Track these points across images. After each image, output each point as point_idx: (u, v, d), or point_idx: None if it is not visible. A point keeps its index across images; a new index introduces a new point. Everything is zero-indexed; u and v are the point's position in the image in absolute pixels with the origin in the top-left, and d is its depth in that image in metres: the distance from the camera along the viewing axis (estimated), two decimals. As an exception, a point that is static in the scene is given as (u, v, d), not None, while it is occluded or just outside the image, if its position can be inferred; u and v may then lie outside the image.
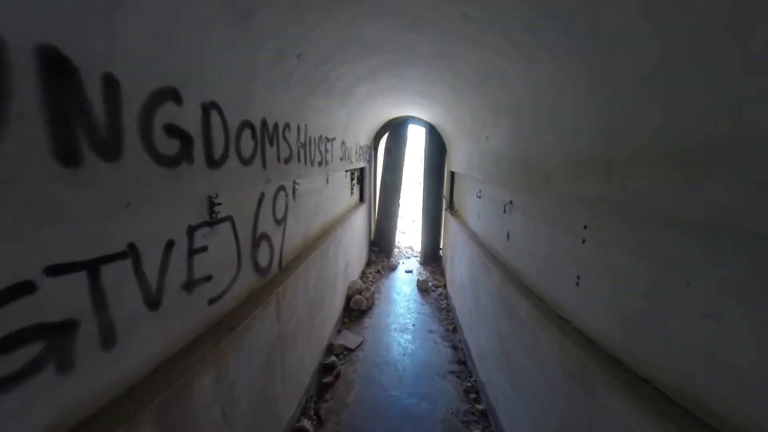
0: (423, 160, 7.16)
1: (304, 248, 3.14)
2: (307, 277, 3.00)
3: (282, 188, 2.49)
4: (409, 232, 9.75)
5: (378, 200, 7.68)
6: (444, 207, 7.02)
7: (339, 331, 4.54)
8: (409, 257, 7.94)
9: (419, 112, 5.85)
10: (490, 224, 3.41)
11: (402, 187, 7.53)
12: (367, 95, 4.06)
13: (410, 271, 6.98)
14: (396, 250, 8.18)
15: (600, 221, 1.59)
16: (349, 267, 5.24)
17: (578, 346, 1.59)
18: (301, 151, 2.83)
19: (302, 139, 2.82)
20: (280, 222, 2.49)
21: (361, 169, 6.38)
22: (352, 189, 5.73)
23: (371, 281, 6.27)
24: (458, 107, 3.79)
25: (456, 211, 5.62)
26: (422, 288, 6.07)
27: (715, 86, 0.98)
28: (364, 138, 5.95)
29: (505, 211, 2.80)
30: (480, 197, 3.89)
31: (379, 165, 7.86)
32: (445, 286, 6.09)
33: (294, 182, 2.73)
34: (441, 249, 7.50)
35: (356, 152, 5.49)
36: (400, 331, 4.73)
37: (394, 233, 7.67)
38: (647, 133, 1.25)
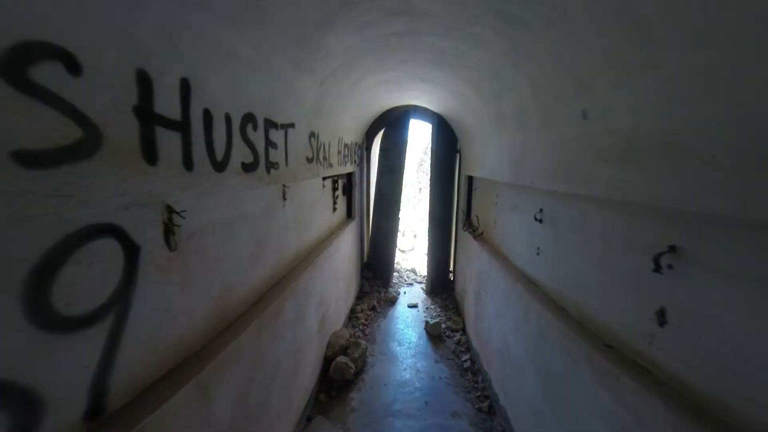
0: (430, 162, 5.63)
1: (210, 336, 1.56)
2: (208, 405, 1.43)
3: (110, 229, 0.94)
4: (410, 249, 8.17)
5: (372, 213, 6.13)
6: (459, 223, 5.49)
7: (309, 421, 2.96)
8: (411, 284, 6.37)
9: (427, 98, 4.35)
10: (583, 280, 1.85)
11: (402, 197, 5.99)
12: (351, 58, 2.53)
13: (414, 306, 5.41)
14: (395, 274, 6.61)
15: None
16: (329, 314, 3.66)
17: None
18: (195, 142, 1.29)
19: (196, 112, 1.29)
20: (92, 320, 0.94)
21: (349, 175, 4.85)
22: (335, 203, 4.18)
23: (363, 324, 4.69)
24: (508, 73, 2.26)
25: (480, 233, 4.06)
26: (433, 333, 4.50)
27: None
28: (352, 133, 4.43)
29: (660, 267, 1.26)
30: (541, 221, 2.35)
31: (373, 170, 6.34)
32: (464, 330, 4.52)
33: (169, 211, 1.19)
34: (451, 271, 5.96)
35: (340, 152, 3.95)
36: (406, 416, 3.14)
37: (393, 254, 6.11)
38: None
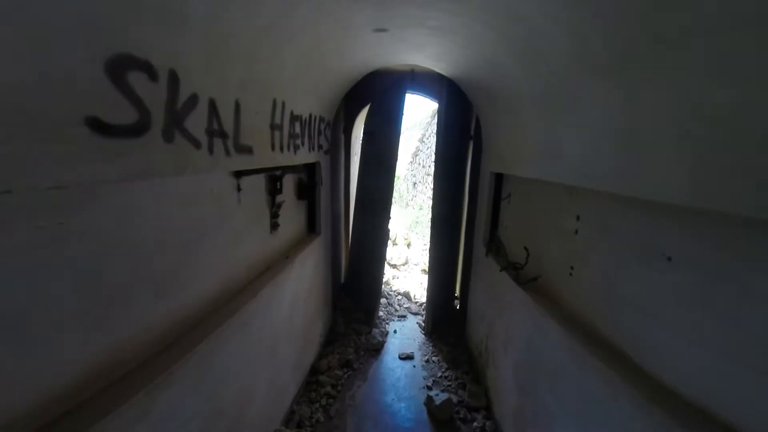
0: (435, 150, 3.92)
1: None
2: None
3: None
4: (402, 264, 6.45)
5: (353, 218, 4.44)
6: (474, 237, 3.83)
7: None
8: (404, 316, 4.73)
9: (434, 51, 2.63)
10: None
11: (392, 197, 4.29)
12: None
13: (409, 358, 3.78)
14: (383, 301, 4.96)
15: None
16: (252, 411, 2.01)
17: None
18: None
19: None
20: None
21: (310, 169, 3.15)
22: (274, 217, 2.46)
23: (328, 395, 3.06)
24: None
25: (533, 278, 2.34)
26: (441, 416, 2.91)
27: None
28: (310, 100, 2.70)
29: None
30: None
31: (354, 162, 4.63)
32: (488, 410, 2.93)
33: None
34: (456, 297, 4.37)
35: (280, 128, 2.24)
36: None
37: (380, 274, 4.43)
38: None
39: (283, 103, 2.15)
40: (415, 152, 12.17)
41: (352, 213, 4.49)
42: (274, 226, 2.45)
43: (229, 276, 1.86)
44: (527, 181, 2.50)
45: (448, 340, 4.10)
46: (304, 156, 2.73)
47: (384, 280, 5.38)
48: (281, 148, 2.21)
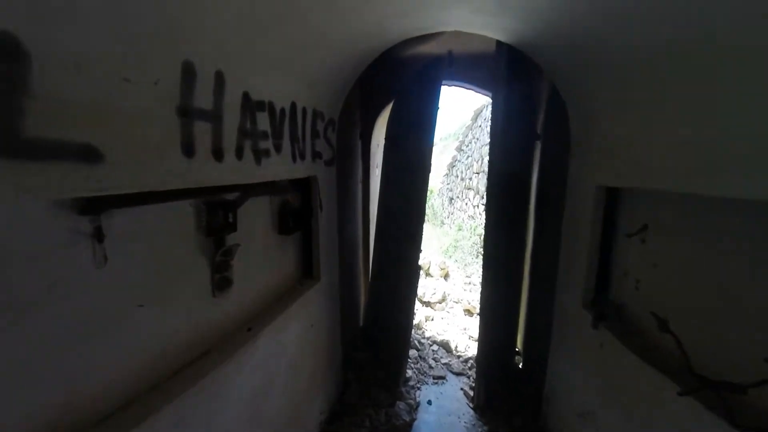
0: (490, 157, 2.75)
1: None
2: None
3: None
4: (438, 302, 5.07)
5: (372, 250, 3.40)
6: (568, 296, 2.58)
7: None
8: (442, 378, 3.49)
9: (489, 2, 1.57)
10: None
11: (423, 222, 3.18)
12: None
13: (450, 459, 2.59)
14: (413, 354, 3.77)
15: None
16: None
17: None
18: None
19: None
20: None
21: (302, 187, 2.19)
22: (220, 269, 1.48)
23: None
24: None
25: (738, 392, 1.05)
26: None
27: None
28: (295, 85, 1.75)
29: None
30: None
31: (376, 176, 3.62)
32: None
33: None
34: (518, 351, 3.08)
35: (247, 126, 1.30)
36: None
37: (407, 322, 3.27)
38: None
39: (220, 75, 1.21)
40: (452, 163, 10.83)
41: (371, 246, 3.46)
42: (222, 285, 1.49)
43: (91, 384, 0.91)
44: (692, 203, 1.28)
45: (513, 420, 2.81)
46: (283, 168, 1.76)
47: (414, 322, 4.24)
48: (218, 154, 1.25)
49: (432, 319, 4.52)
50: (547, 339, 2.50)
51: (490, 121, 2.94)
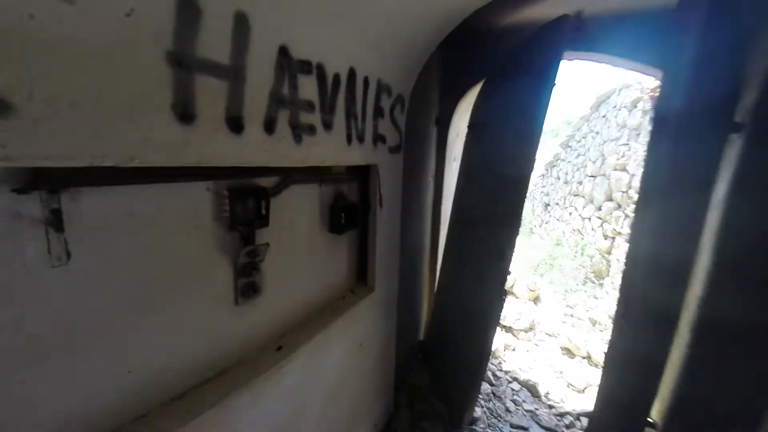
0: (646, 159, 2.12)
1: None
2: None
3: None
4: (526, 329, 4.10)
5: (442, 257, 2.86)
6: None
7: None
8: (525, 429, 2.76)
9: None
10: None
11: (515, 234, 2.49)
12: None
13: None
14: (486, 389, 3.09)
15: None
16: None
17: None
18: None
19: None
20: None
21: (361, 175, 1.82)
22: (244, 273, 1.18)
23: None
24: None
25: None
26: None
27: None
28: (357, 47, 1.37)
29: None
30: None
31: (451, 170, 3.06)
32: None
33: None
34: (651, 424, 2.18)
35: (283, 92, 0.98)
36: None
37: (483, 349, 2.63)
38: None
39: (242, 18, 0.88)
40: (553, 162, 9.10)
41: (442, 244, 2.94)
42: (248, 291, 1.20)
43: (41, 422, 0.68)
44: None
45: None
46: (334, 150, 1.40)
47: (492, 349, 3.56)
48: (235, 123, 0.94)
49: (513, 349, 3.74)
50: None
51: (654, 108, 2.08)
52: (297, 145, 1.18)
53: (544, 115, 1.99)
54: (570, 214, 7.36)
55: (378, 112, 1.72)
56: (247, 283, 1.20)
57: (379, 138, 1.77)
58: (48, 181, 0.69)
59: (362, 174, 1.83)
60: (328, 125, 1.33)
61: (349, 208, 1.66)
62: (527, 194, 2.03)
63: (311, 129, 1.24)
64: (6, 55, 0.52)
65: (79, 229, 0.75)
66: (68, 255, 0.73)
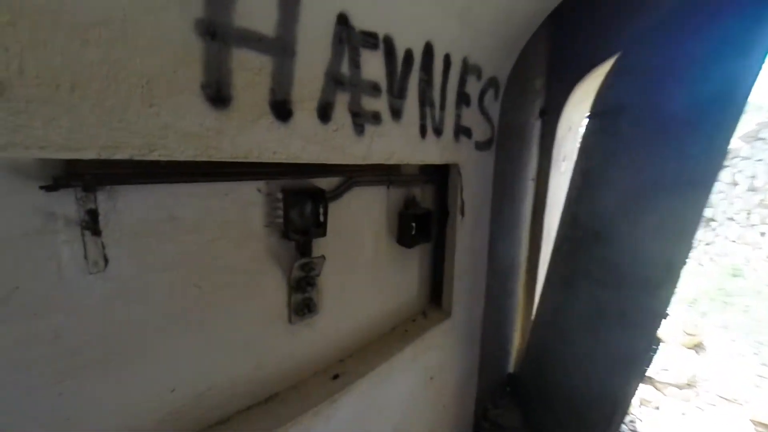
0: None
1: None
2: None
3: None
4: (680, 388, 2.91)
5: (546, 281, 2.31)
6: None
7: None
8: None
9: None
10: None
11: (683, 260, 1.74)
12: None
13: None
14: None
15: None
16: None
17: None
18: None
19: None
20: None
21: (438, 175, 1.52)
22: (299, 288, 1.01)
23: None
24: None
25: None
26: None
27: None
28: (442, 20, 1.12)
29: None
30: None
31: (559, 172, 2.46)
32: None
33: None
34: None
35: (343, 71, 0.82)
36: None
37: (620, 399, 1.95)
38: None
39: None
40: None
41: (544, 263, 2.38)
42: (302, 309, 1.03)
43: None
44: None
45: None
46: (403, 145, 1.14)
47: (628, 398, 2.74)
48: (280, 109, 0.77)
49: (657, 408, 2.79)
50: None
51: None
52: (358, 137, 0.97)
53: (750, 85, 1.31)
54: (762, 234, 5.34)
55: (462, 98, 1.40)
56: (302, 300, 1.04)
57: (462, 131, 1.45)
58: (80, 178, 0.62)
59: (440, 175, 1.53)
60: (396, 113, 1.09)
61: (422, 216, 1.38)
62: (706, 202, 1.37)
63: (376, 117, 1.01)
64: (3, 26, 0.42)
65: (117, 233, 0.67)
66: (106, 261, 0.65)
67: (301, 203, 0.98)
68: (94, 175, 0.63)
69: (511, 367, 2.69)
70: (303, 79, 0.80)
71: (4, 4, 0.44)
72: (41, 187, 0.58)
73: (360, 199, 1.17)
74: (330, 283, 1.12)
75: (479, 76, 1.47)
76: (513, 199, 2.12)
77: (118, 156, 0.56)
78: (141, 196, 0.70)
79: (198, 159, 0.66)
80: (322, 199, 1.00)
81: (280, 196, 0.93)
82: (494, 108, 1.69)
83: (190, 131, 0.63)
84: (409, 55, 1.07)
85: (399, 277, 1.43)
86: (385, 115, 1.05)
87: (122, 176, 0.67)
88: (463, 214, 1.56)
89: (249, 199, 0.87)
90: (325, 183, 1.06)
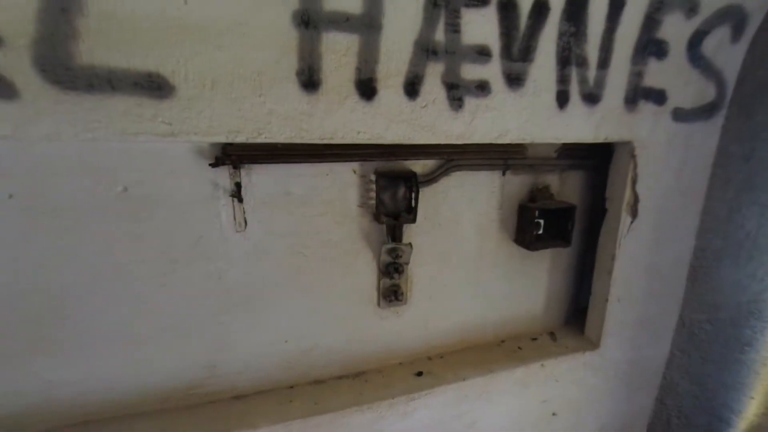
0: None
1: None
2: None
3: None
4: None
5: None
6: None
7: None
8: None
9: None
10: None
11: None
12: None
13: None
14: None
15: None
16: None
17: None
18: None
19: None
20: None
21: (595, 164, 1.09)
22: (389, 272, 1.00)
23: None
24: None
25: None
26: None
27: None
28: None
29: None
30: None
31: None
32: None
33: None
34: None
35: (514, 32, 0.79)
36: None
37: None
38: None
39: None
40: None
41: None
42: (391, 295, 1.04)
43: (226, 361, 0.95)
44: None
45: None
46: (528, 119, 0.90)
47: None
48: (366, 87, 0.77)
49: None
50: None
51: None
52: (454, 113, 0.85)
53: None
54: None
55: (649, 47, 0.95)
56: (390, 286, 1.05)
57: (644, 94, 0.99)
58: (230, 158, 0.87)
59: (599, 158, 1.12)
60: (516, 79, 0.87)
61: (555, 212, 1.06)
62: None
63: (482, 87, 0.85)
64: (168, 39, 0.66)
65: (252, 202, 0.91)
66: (245, 223, 0.91)
67: (392, 186, 0.98)
68: (238, 156, 0.87)
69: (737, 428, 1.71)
70: (389, 53, 0.78)
71: (176, 26, 0.66)
72: (210, 165, 0.86)
73: (462, 186, 1.04)
74: (421, 274, 1.08)
75: (693, 10, 0.95)
76: (747, 196, 1.28)
77: (239, 139, 0.76)
78: (267, 172, 0.90)
79: (293, 141, 0.78)
80: (412, 182, 0.96)
81: (372, 177, 0.97)
82: (729, 56, 1.07)
83: (287, 114, 0.76)
84: (541, 5, 0.83)
85: (514, 285, 1.18)
86: (497, 84, 0.87)
87: (254, 157, 0.88)
88: (634, 214, 1.09)
89: (346, 180, 0.96)
90: (421, 166, 1.01)
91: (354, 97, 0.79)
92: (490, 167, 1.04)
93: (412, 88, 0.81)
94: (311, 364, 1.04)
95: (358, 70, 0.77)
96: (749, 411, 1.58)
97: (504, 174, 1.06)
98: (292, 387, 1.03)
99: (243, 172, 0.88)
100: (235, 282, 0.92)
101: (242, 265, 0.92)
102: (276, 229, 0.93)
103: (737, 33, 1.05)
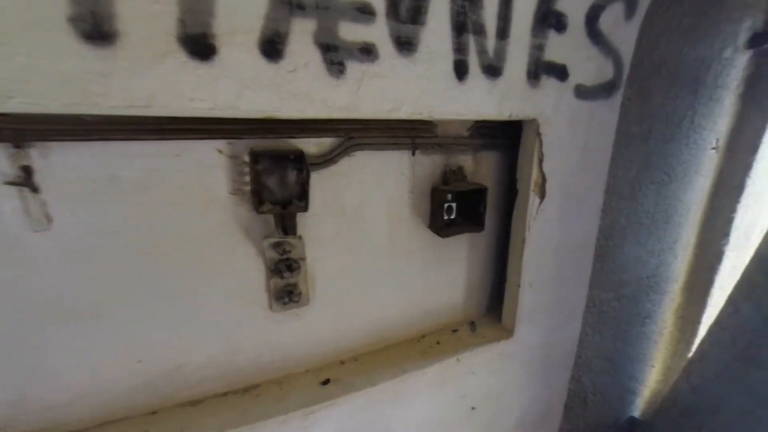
0: None
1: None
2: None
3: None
4: None
5: (727, 306, 1.42)
6: None
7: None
8: None
9: None
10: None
11: None
12: None
13: None
14: None
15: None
16: None
17: None
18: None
19: None
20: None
21: (506, 143, 1.05)
22: (277, 270, 0.85)
23: None
24: None
25: None
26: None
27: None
28: None
29: None
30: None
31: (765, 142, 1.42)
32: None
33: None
34: None
35: None
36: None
37: None
38: None
39: None
40: None
41: (719, 279, 1.47)
42: (285, 296, 0.89)
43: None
44: None
45: None
46: (425, 90, 0.80)
47: None
48: (199, 45, 0.59)
49: None
50: None
51: None
52: (334, 79, 0.71)
53: None
54: None
55: (549, 20, 0.89)
56: (284, 286, 0.90)
57: (546, 69, 0.94)
58: (2, 132, 0.62)
59: (511, 137, 1.07)
60: (406, 44, 0.75)
61: (467, 194, 0.99)
62: None
63: (366, 51, 0.72)
64: None
65: (57, 192, 0.67)
66: (48, 219, 0.68)
67: (278, 169, 0.81)
68: (19, 130, 0.63)
69: (638, 410, 1.87)
70: (231, 4, 0.60)
71: None
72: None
73: (367, 168, 0.91)
74: (324, 269, 0.94)
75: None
76: (665, 177, 1.35)
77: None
78: (76, 153, 0.67)
79: (79, 110, 0.57)
80: (300, 164, 0.80)
81: (246, 159, 0.79)
82: (624, 33, 1.06)
83: (63, 74, 0.54)
84: None
85: (431, 274, 1.10)
86: (384, 47, 0.74)
87: (51, 132, 0.64)
88: (542, 195, 1.06)
89: (208, 161, 0.77)
90: (315, 146, 0.86)
91: (179, 56, 0.60)
92: (397, 146, 0.92)
93: (271, 47, 0.65)
94: (179, 383, 0.85)
95: (182, 21, 0.58)
96: (651, 379, 1.72)
97: (414, 154, 0.95)
98: (154, 413, 0.83)
99: (34, 152, 0.64)
100: (41, 294, 0.69)
101: (52, 271, 0.69)
102: (103, 225, 0.71)
103: (630, 9, 1.05)
